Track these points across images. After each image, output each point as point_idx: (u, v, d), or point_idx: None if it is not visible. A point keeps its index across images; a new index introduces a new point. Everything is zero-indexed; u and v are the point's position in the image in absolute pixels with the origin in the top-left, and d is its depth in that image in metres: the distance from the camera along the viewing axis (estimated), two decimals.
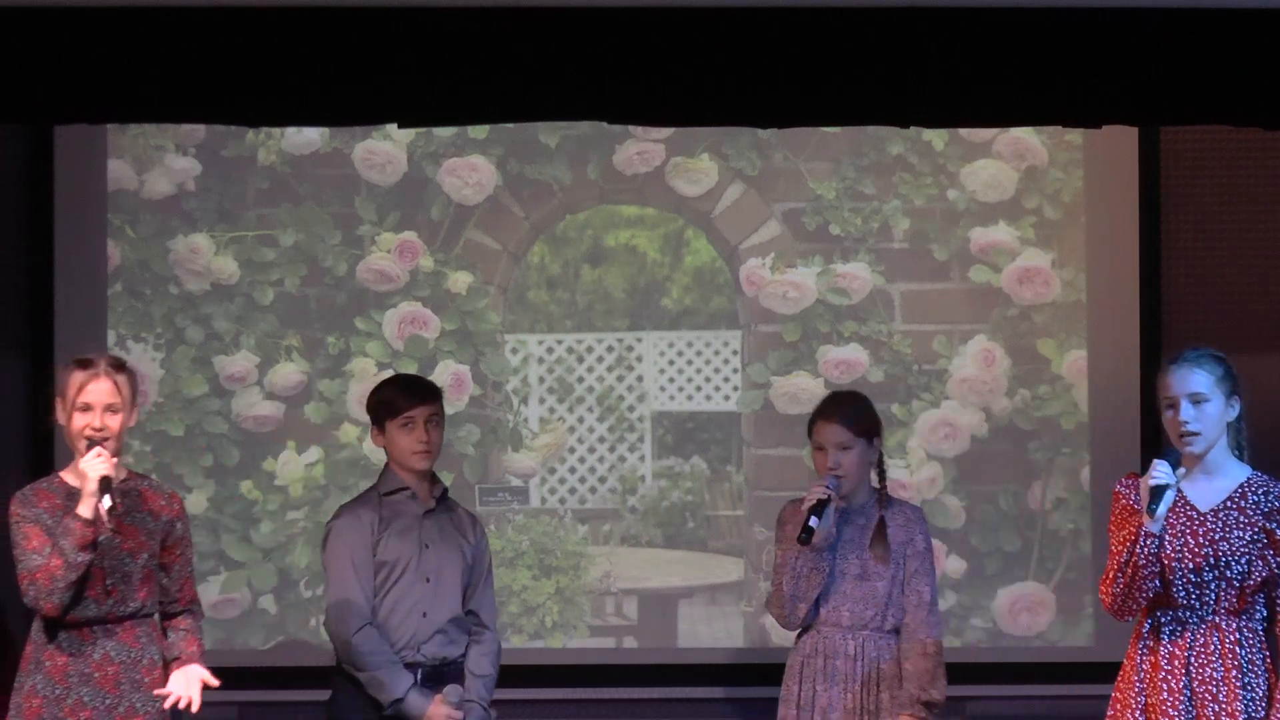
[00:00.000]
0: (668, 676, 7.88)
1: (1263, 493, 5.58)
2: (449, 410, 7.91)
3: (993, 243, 7.98)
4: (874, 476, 6.41)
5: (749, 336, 8.02)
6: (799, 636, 6.38)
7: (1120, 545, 5.46)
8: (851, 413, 6.33)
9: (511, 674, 7.87)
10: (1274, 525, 5.54)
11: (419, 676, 6.36)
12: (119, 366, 5.98)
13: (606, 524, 8.04)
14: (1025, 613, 7.93)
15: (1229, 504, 5.57)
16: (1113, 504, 5.64)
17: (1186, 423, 5.52)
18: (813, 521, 6.14)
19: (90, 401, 5.88)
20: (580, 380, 8.04)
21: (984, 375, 7.97)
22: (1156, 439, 7.75)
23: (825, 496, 6.17)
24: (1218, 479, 5.58)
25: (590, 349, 8.05)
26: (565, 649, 7.95)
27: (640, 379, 8.06)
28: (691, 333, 8.06)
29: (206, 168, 7.98)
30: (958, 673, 7.87)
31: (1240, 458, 5.65)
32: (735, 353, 8.05)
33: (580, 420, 8.04)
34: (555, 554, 7.99)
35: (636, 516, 8.03)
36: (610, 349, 8.05)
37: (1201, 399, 5.54)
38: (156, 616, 6.07)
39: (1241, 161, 7.87)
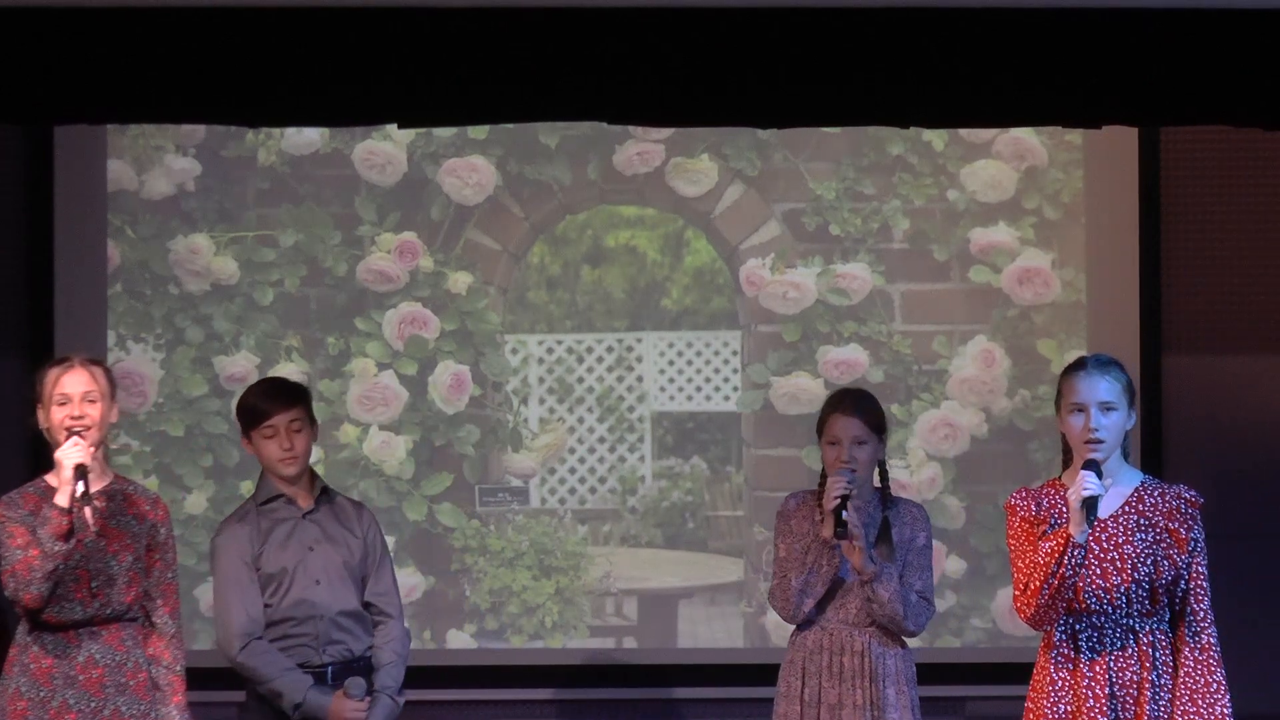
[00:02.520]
0: (668, 676, 7.88)
1: (1159, 494, 5.61)
2: (449, 411, 7.93)
3: (993, 243, 7.98)
4: (875, 476, 6.41)
5: (749, 337, 8.02)
6: (799, 633, 6.36)
7: (1048, 557, 5.46)
8: (868, 409, 6.34)
9: (512, 674, 7.89)
10: (1175, 524, 5.57)
11: (329, 676, 6.33)
12: (93, 360, 5.99)
13: (606, 524, 8.04)
14: None
15: (1128, 508, 5.59)
16: (1009, 517, 5.65)
17: (1096, 430, 5.54)
18: (845, 515, 6.13)
19: (67, 393, 5.89)
20: (580, 380, 8.04)
21: (984, 375, 7.97)
22: (1156, 440, 7.76)
23: (849, 492, 6.17)
24: (1115, 485, 5.60)
25: (590, 349, 8.05)
26: (565, 649, 7.95)
27: (640, 379, 8.06)
28: (691, 333, 8.06)
29: (206, 168, 7.98)
30: (958, 673, 7.89)
31: (1127, 462, 5.67)
32: (735, 353, 8.05)
33: (580, 420, 8.04)
34: (555, 554, 7.99)
35: (636, 517, 8.03)
36: (610, 349, 8.05)
37: (1110, 407, 5.57)
38: (141, 620, 6.06)
39: (1241, 162, 7.87)
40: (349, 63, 6.21)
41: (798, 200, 8.00)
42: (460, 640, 7.95)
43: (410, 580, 7.80)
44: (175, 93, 6.21)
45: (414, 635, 7.74)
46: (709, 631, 7.96)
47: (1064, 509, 5.56)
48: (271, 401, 6.38)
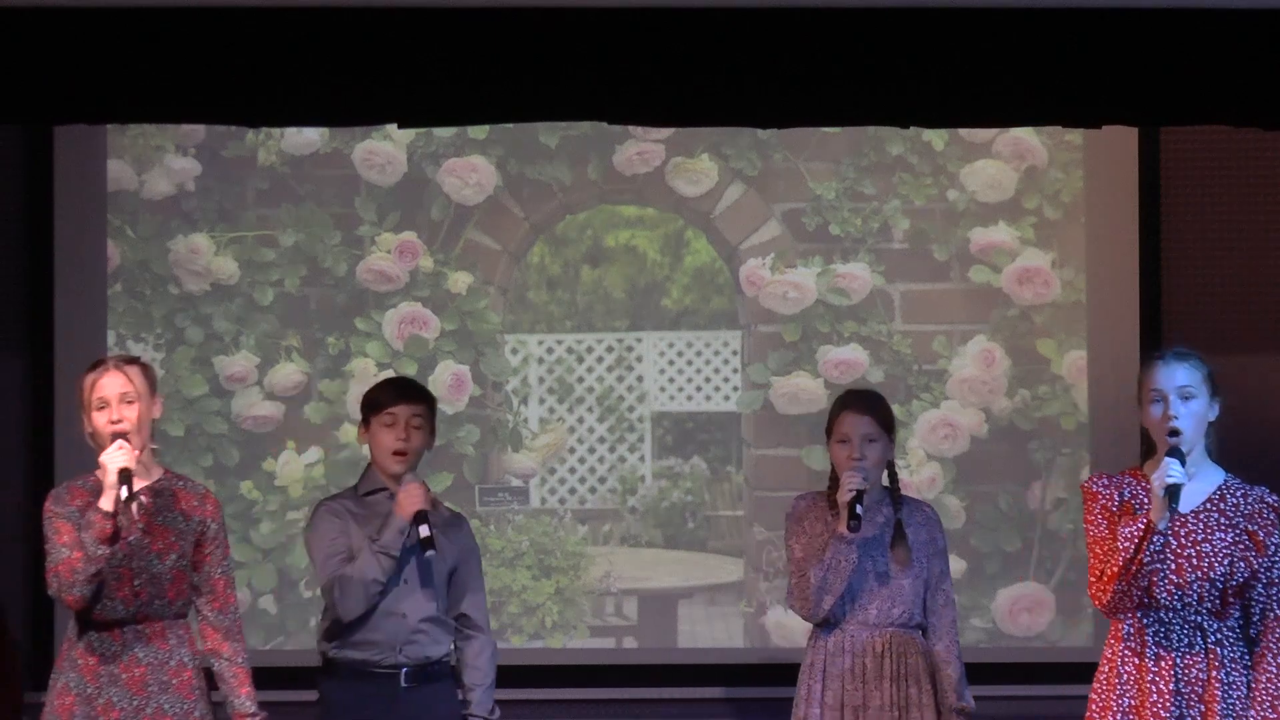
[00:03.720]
0: (668, 676, 7.88)
1: (1241, 494, 5.59)
2: (449, 411, 7.93)
3: (993, 243, 7.98)
4: (884, 476, 6.41)
5: (749, 337, 8.02)
6: (818, 636, 6.35)
7: (1128, 542, 5.45)
8: (878, 407, 6.35)
9: (511, 674, 7.87)
10: (1255, 527, 5.55)
11: (402, 678, 6.34)
12: (128, 360, 6.00)
13: (606, 524, 8.04)
14: (1025, 613, 7.93)
15: (1209, 506, 5.57)
16: (1088, 503, 5.62)
17: (1176, 417, 5.52)
18: (859, 509, 6.14)
19: (105, 396, 5.90)
20: (580, 380, 8.04)
21: (984, 375, 7.97)
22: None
23: (864, 487, 6.18)
24: (1196, 480, 5.58)
25: (590, 349, 8.05)
26: (565, 649, 7.95)
27: (640, 379, 8.06)
28: (691, 333, 8.06)
29: (206, 168, 7.98)
30: None
31: (1212, 459, 5.66)
32: (735, 353, 8.05)
33: (580, 420, 8.05)
34: (555, 554, 7.99)
35: (636, 517, 8.03)
36: (610, 349, 8.05)
37: (1190, 395, 5.55)
38: (188, 617, 6.06)
39: (1241, 161, 7.87)
40: (349, 63, 6.22)
41: (798, 200, 8.00)
42: None
43: None
44: (175, 93, 6.21)
45: None
46: (709, 631, 7.96)
47: (1146, 499, 5.53)
48: (398, 393, 6.42)
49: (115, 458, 5.80)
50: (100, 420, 5.90)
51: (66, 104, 6.24)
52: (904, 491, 6.48)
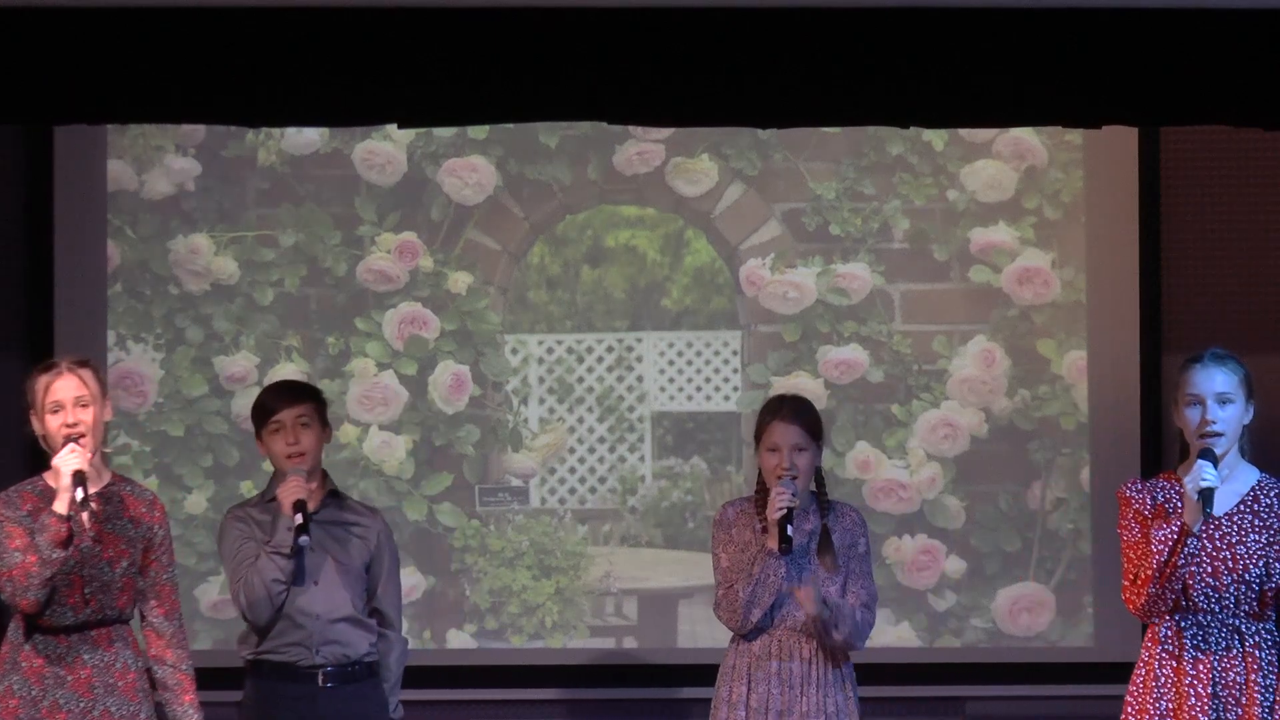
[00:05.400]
0: (668, 676, 7.88)
1: (1275, 495, 5.57)
2: (449, 411, 7.93)
3: (992, 243, 7.98)
4: (812, 482, 6.37)
5: (749, 337, 8.02)
6: (743, 639, 6.31)
7: (1162, 545, 5.43)
8: (807, 415, 6.31)
9: (512, 674, 7.89)
10: None
11: (320, 678, 6.31)
12: (81, 363, 5.97)
13: (606, 524, 8.04)
14: (1025, 613, 7.93)
15: (1243, 508, 5.55)
16: (1122, 509, 5.61)
17: (1214, 422, 5.50)
18: (789, 529, 6.10)
19: (59, 400, 5.88)
20: (580, 380, 8.04)
21: (984, 375, 7.97)
22: (1156, 439, 7.77)
23: (794, 504, 6.14)
24: (1231, 483, 5.56)
25: (590, 349, 8.05)
26: (565, 649, 7.95)
27: (640, 379, 8.06)
28: (691, 333, 8.06)
29: (206, 168, 7.98)
30: (958, 673, 7.88)
31: (1246, 460, 5.65)
32: (735, 353, 8.05)
33: (580, 420, 8.04)
34: (555, 554, 7.99)
35: (636, 517, 8.03)
36: (610, 349, 8.05)
37: (1228, 399, 5.53)
38: (134, 621, 6.05)
39: (1241, 162, 7.87)
40: (349, 63, 6.22)
41: (798, 200, 8.00)
42: (460, 640, 7.96)
43: (410, 580, 7.79)
44: (175, 93, 6.22)
45: (414, 635, 7.75)
46: (709, 631, 7.95)
47: (1180, 502, 5.51)
48: (279, 398, 6.38)
49: (69, 460, 5.78)
50: (54, 424, 5.88)
51: (66, 104, 6.25)
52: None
